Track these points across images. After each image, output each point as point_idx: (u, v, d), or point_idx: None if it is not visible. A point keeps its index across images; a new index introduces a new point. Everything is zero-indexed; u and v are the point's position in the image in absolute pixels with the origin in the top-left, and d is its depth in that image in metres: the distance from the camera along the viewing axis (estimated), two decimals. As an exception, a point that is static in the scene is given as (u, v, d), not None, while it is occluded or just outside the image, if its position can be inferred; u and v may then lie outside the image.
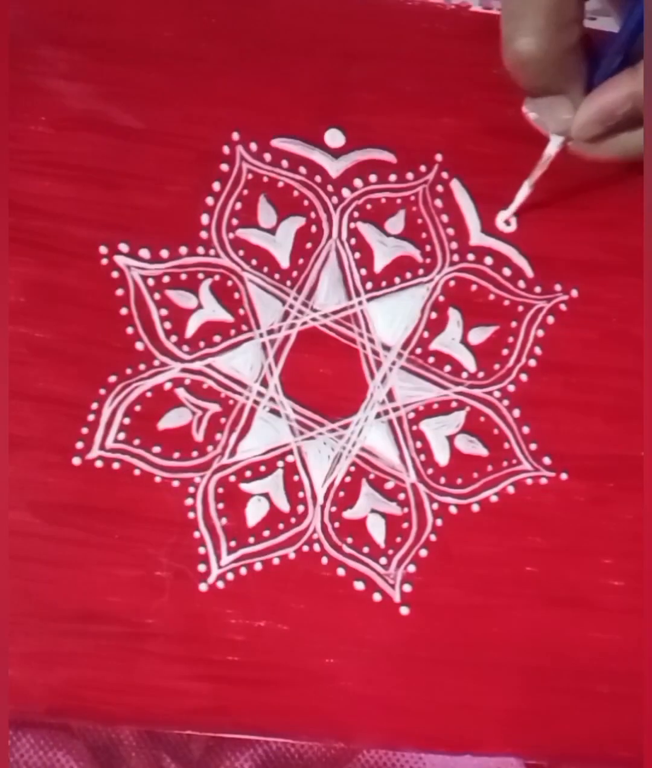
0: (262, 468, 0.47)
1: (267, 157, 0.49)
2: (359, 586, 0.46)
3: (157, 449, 0.46)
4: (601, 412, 0.48)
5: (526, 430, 0.48)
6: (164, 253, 0.48)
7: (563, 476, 0.47)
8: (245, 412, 0.47)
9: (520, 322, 0.48)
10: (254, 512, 0.46)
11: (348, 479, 0.47)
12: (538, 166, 0.45)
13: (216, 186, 0.48)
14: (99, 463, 0.46)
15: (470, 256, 0.49)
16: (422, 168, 0.49)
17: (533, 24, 0.37)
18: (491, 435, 0.48)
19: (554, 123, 0.41)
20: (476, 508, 0.47)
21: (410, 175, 0.49)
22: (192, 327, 0.47)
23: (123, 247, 0.48)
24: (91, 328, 0.47)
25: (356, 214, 0.49)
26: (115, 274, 0.47)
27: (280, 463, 0.47)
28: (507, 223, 0.48)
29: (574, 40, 0.38)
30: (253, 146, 0.49)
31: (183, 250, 0.48)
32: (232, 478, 0.47)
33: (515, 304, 0.49)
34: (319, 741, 0.45)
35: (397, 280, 0.48)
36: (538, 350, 0.48)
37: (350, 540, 0.46)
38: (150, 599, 0.45)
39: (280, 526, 0.46)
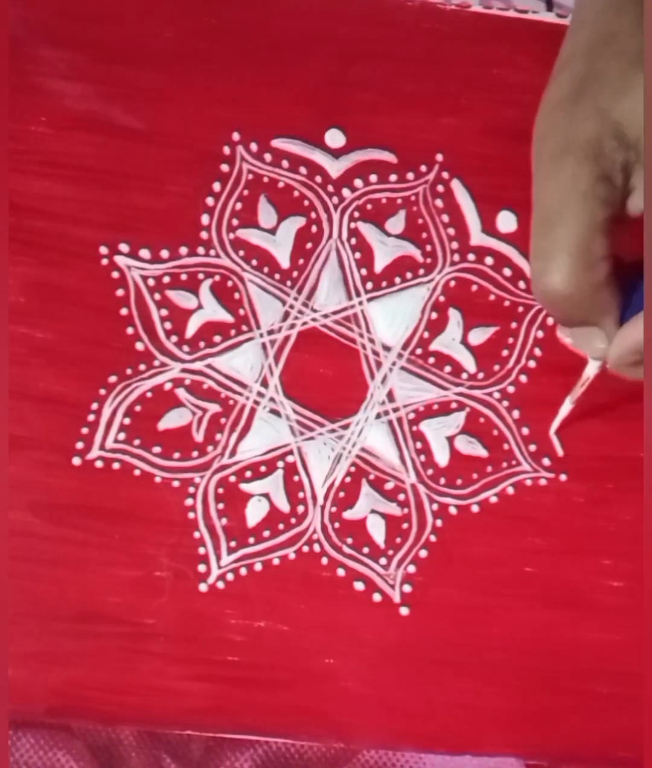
0: (263, 468, 0.47)
1: (267, 157, 0.49)
2: (359, 586, 0.46)
3: (157, 449, 0.46)
4: (600, 413, 0.48)
5: (525, 431, 0.48)
6: (164, 254, 0.48)
7: (563, 477, 0.47)
8: (245, 412, 0.47)
9: (520, 323, 0.48)
10: (254, 512, 0.46)
11: (348, 480, 0.47)
12: (578, 386, 0.44)
13: (216, 186, 0.48)
14: (99, 464, 0.46)
15: (471, 257, 0.49)
16: (423, 168, 0.49)
17: (560, 264, 0.37)
18: (490, 436, 0.48)
19: (591, 351, 0.41)
20: (475, 508, 0.47)
21: (410, 175, 0.49)
22: (192, 327, 0.47)
23: (123, 247, 0.48)
24: (91, 328, 0.47)
25: (356, 214, 0.49)
26: (115, 275, 0.47)
27: (280, 464, 0.47)
28: (556, 434, 0.48)
29: (602, 277, 0.37)
30: (254, 146, 0.49)
31: (183, 250, 0.48)
32: (233, 479, 0.47)
33: (516, 305, 0.49)
34: (319, 741, 0.45)
35: (397, 280, 0.48)
36: (538, 351, 0.48)
37: (349, 540, 0.46)
38: (150, 599, 0.45)
39: (280, 526, 0.46)
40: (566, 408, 0.46)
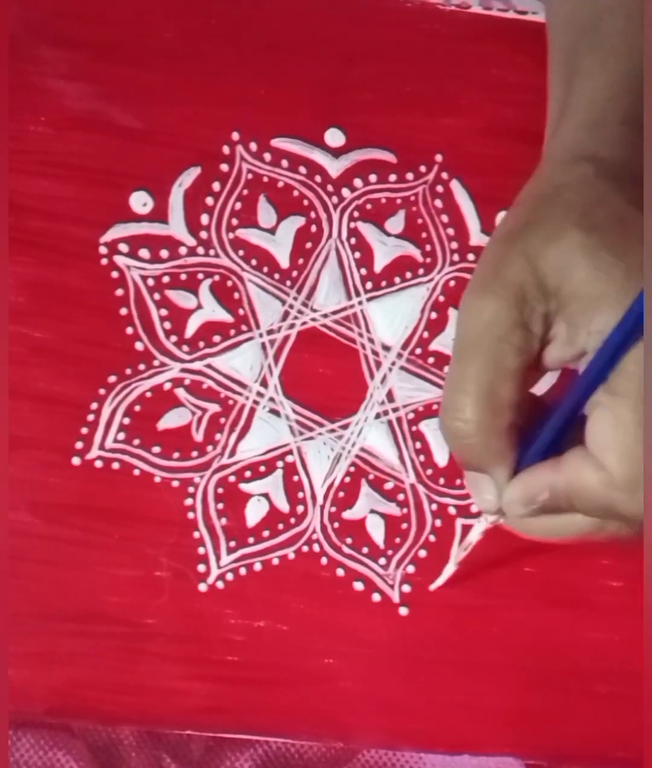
0: (262, 468, 0.47)
1: (267, 156, 0.49)
2: (359, 586, 0.46)
3: (156, 449, 0.46)
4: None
5: (526, 430, 0.48)
6: (164, 253, 0.48)
7: (563, 477, 0.47)
8: (245, 412, 0.47)
9: (520, 323, 0.48)
10: (254, 512, 0.46)
11: (348, 479, 0.47)
12: (460, 549, 0.44)
13: (216, 186, 0.48)
14: (99, 463, 0.46)
15: (470, 257, 0.49)
16: (422, 168, 0.49)
17: (467, 402, 0.36)
18: (490, 435, 0.48)
19: (479, 500, 0.40)
20: (475, 508, 0.47)
21: (409, 176, 0.49)
22: (192, 327, 0.47)
23: (123, 247, 0.48)
24: (91, 328, 0.47)
25: (355, 214, 0.49)
26: (115, 274, 0.47)
27: (279, 464, 0.47)
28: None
29: (505, 425, 0.37)
30: (253, 146, 0.49)
31: (183, 250, 0.48)
32: (232, 478, 0.47)
33: (515, 305, 0.48)
34: (319, 741, 0.45)
35: (397, 280, 0.49)
36: (537, 351, 0.48)
37: (349, 540, 0.46)
38: (150, 599, 0.45)
39: (280, 526, 0.46)
40: (449, 570, 0.45)
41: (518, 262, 0.36)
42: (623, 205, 0.37)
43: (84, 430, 0.46)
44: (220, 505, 0.46)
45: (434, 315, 0.48)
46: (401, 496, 0.47)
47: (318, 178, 0.49)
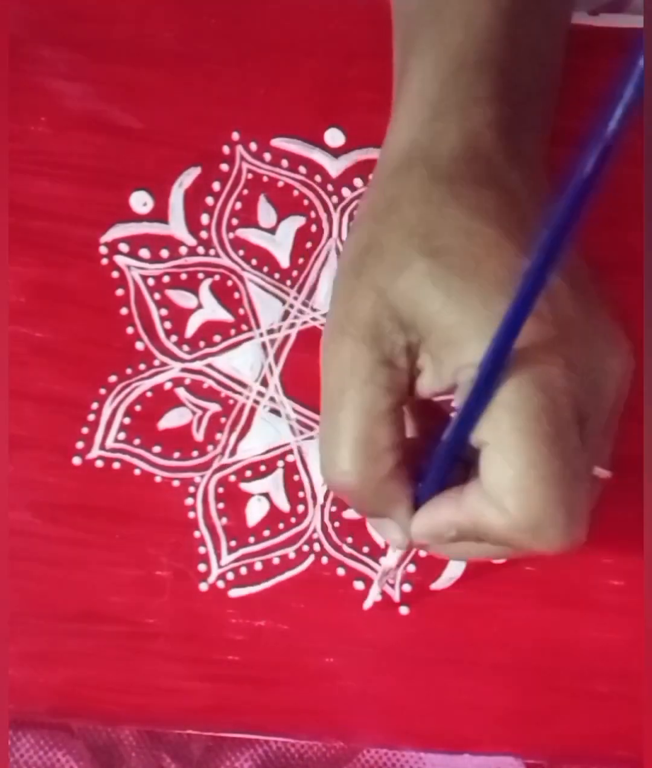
0: (263, 468, 0.47)
1: (267, 156, 0.49)
2: (359, 585, 0.46)
3: (157, 449, 0.46)
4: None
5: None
6: (164, 253, 0.48)
7: (563, 476, 0.47)
8: (245, 411, 0.47)
9: (520, 322, 0.48)
10: (254, 512, 0.46)
11: (348, 479, 0.47)
12: (380, 575, 0.44)
13: (216, 186, 0.48)
14: (99, 463, 0.46)
15: (470, 256, 0.49)
16: (422, 167, 0.49)
17: (343, 456, 0.34)
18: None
19: (391, 542, 0.38)
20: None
21: (410, 175, 0.49)
22: (192, 327, 0.47)
23: (123, 247, 0.48)
24: (91, 328, 0.47)
25: (356, 214, 0.49)
26: (115, 274, 0.47)
27: (280, 463, 0.47)
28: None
29: (388, 469, 0.35)
30: (253, 146, 0.49)
31: (183, 250, 0.48)
32: (233, 478, 0.47)
33: (515, 304, 0.48)
34: (319, 740, 0.45)
35: (397, 279, 0.48)
36: (538, 350, 0.48)
37: (350, 540, 0.46)
38: (150, 599, 0.45)
39: (281, 525, 0.46)
40: (375, 592, 0.45)
41: (369, 297, 0.34)
42: (465, 215, 0.34)
43: (84, 430, 0.46)
44: (221, 505, 0.46)
45: (434, 314, 0.48)
46: (401, 496, 0.47)
47: (318, 178, 0.49)
